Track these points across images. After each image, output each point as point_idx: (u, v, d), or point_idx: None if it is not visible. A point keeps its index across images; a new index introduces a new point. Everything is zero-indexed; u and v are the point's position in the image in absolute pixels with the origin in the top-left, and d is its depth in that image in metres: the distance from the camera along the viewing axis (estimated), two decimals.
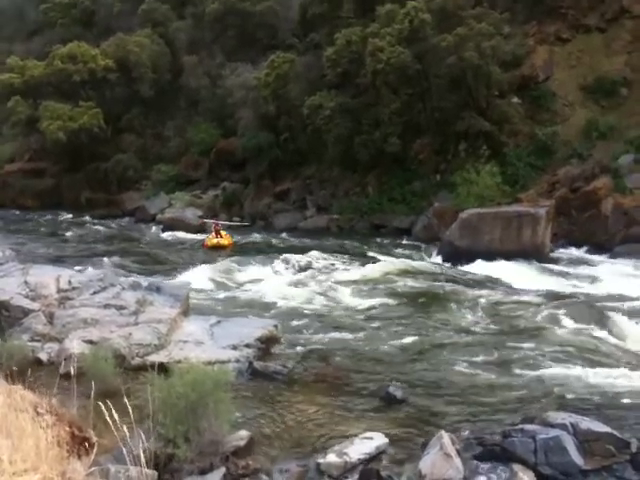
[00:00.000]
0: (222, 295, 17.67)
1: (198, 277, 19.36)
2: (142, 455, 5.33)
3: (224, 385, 7.78)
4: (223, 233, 26.69)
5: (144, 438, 7.07)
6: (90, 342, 10.77)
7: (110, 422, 5.20)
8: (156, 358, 10.51)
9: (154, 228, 33.00)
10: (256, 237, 29.60)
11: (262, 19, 40.64)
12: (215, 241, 25.84)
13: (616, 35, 30.47)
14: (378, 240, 27.66)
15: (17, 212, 38.89)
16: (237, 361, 10.87)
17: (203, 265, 21.53)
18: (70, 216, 37.10)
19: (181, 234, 30.72)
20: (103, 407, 5.34)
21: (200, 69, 42.64)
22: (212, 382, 7.55)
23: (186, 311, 13.10)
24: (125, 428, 5.51)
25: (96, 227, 34.01)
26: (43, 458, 4.92)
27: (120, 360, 10.17)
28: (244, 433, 8.15)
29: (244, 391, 9.93)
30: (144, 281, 14.41)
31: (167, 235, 30.93)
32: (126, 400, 6.17)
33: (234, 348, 11.37)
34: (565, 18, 31.79)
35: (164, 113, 42.79)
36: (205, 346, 11.28)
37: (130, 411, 5.72)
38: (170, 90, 43.12)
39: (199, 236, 30.32)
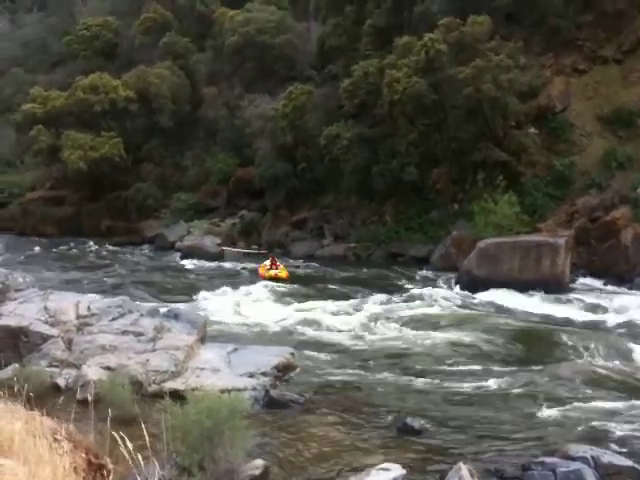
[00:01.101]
0: (239, 323, 17.69)
1: (216, 304, 19.43)
2: None
3: (240, 413, 7.74)
4: (281, 267, 25.79)
5: (160, 466, 7.06)
6: (108, 368, 10.81)
7: (129, 449, 5.18)
8: (172, 385, 10.53)
9: (173, 255, 33.21)
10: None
11: (280, 51, 41.22)
12: (273, 273, 25.07)
13: (633, 66, 30.50)
14: (396, 269, 27.57)
15: (37, 239, 39.29)
16: (253, 389, 10.84)
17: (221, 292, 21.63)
18: (91, 244, 37.44)
19: (200, 261, 30.87)
20: (119, 434, 5.33)
21: (219, 100, 43.23)
22: (227, 410, 7.52)
23: (203, 338, 13.10)
24: (141, 456, 5.50)
25: (116, 254, 34.28)
26: None
27: (137, 387, 10.18)
28: (259, 462, 8.08)
29: (260, 419, 9.87)
30: (162, 308, 14.47)
31: (186, 262, 31.10)
32: (143, 427, 6.16)
33: (251, 376, 11.35)
34: (582, 50, 31.92)
35: (183, 143, 43.33)
36: (222, 374, 11.27)
37: (146, 438, 5.71)
38: (189, 121, 43.71)
39: (217, 263, 30.47)
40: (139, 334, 12.31)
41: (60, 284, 22.31)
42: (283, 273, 25.22)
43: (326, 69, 39.96)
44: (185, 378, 10.92)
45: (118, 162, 39.93)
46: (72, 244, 37.06)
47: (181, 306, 17.30)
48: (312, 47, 41.97)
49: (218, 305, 19.55)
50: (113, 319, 12.90)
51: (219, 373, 11.26)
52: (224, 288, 22.50)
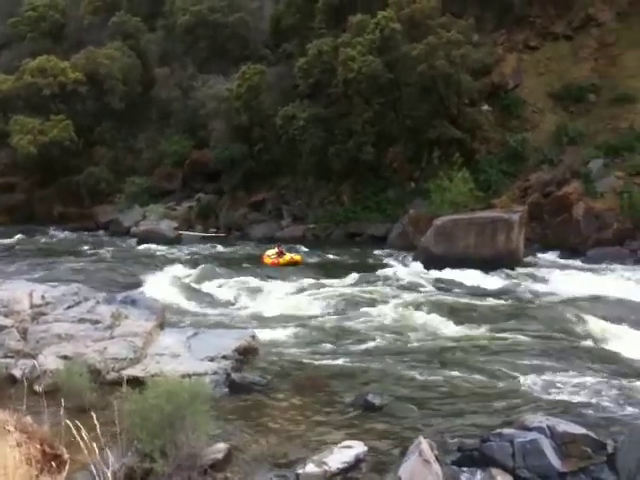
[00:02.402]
0: (198, 307, 17.57)
1: (174, 289, 19.24)
2: (117, 471, 5.26)
3: (201, 397, 7.70)
4: (287, 253, 24.97)
5: (120, 453, 7.00)
6: (65, 357, 10.62)
7: (84, 438, 5.12)
8: (132, 372, 10.41)
9: (129, 241, 32.69)
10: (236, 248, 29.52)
11: (233, 30, 40.72)
12: (289, 257, 24.37)
13: (583, 42, 31.07)
14: (354, 248, 27.71)
15: None
16: (214, 373, 10.78)
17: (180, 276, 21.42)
18: (43, 231, 36.59)
19: (156, 246, 30.46)
20: (77, 423, 5.26)
21: (172, 81, 42.55)
22: (188, 394, 7.48)
23: (162, 324, 12.97)
24: (100, 444, 5.44)
25: (69, 241, 33.60)
26: (11, 477, 4.83)
27: (95, 375, 10.04)
28: (222, 446, 8.07)
29: (222, 403, 9.85)
30: (119, 294, 14.25)
31: (142, 247, 30.66)
32: (101, 415, 6.09)
33: (211, 360, 11.28)
34: (533, 26, 32.36)
35: (136, 125, 42.57)
36: (181, 359, 11.18)
37: (105, 426, 5.65)
38: (141, 102, 42.91)
39: (175, 248, 30.12)
40: (96, 322, 12.11)
41: (12, 273, 21.78)
42: (298, 257, 24.75)
43: (280, 48, 39.69)
44: (144, 365, 10.80)
45: (69, 146, 39.07)
46: (24, 232, 36.16)
47: (138, 292, 17.08)
48: (265, 26, 41.59)
49: (176, 289, 19.34)
50: (69, 307, 12.66)
51: (179, 358, 11.17)
52: (182, 271, 22.31)
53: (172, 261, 26.55)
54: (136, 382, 9.50)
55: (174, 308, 16.64)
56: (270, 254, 25.24)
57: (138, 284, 20.26)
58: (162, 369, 10.33)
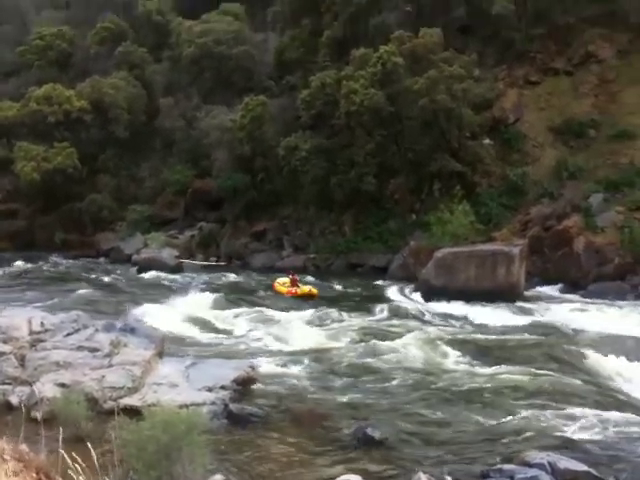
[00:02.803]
0: (198, 336, 17.48)
1: (175, 317, 19.15)
2: None
3: (198, 428, 7.63)
4: (301, 285, 24.59)
5: None
6: (62, 385, 10.57)
7: (79, 468, 5.06)
8: (129, 401, 10.35)
9: (130, 268, 32.65)
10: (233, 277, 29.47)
11: (238, 62, 41.21)
12: (307, 289, 23.85)
13: (583, 78, 31.40)
14: (355, 279, 27.65)
15: None
16: (212, 403, 10.71)
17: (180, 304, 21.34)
18: (45, 257, 36.58)
19: (157, 274, 30.40)
20: (71, 453, 5.20)
21: (176, 111, 42.92)
22: (185, 425, 7.41)
23: (161, 352, 12.91)
24: (97, 474, 5.37)
25: (70, 268, 33.56)
26: None
27: (92, 404, 9.98)
28: (219, 477, 7.98)
29: (219, 434, 9.75)
30: (118, 322, 14.21)
31: (143, 275, 30.60)
32: (98, 444, 6.02)
33: (209, 390, 11.21)
34: (534, 62, 32.76)
35: (139, 154, 42.82)
36: (180, 388, 11.11)
37: (101, 456, 5.59)
38: (145, 131, 43.25)
39: (176, 276, 30.07)
40: (94, 349, 12.07)
41: (12, 300, 21.72)
42: (315, 290, 24.12)
43: (284, 80, 40.12)
44: (142, 394, 10.73)
45: (72, 173, 39.22)
46: (25, 258, 36.17)
47: (138, 320, 17.03)
48: (270, 58, 42.08)
49: (177, 318, 19.25)
50: (67, 334, 12.64)
51: (177, 388, 11.10)
52: (182, 300, 22.22)
53: (173, 290, 26.51)
54: (133, 412, 9.43)
55: (174, 337, 16.54)
56: (282, 282, 24.94)
57: (138, 312, 20.15)
58: (160, 399, 10.26)
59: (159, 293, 25.47)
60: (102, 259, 36.47)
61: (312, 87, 32.07)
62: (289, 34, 39.26)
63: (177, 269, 31.74)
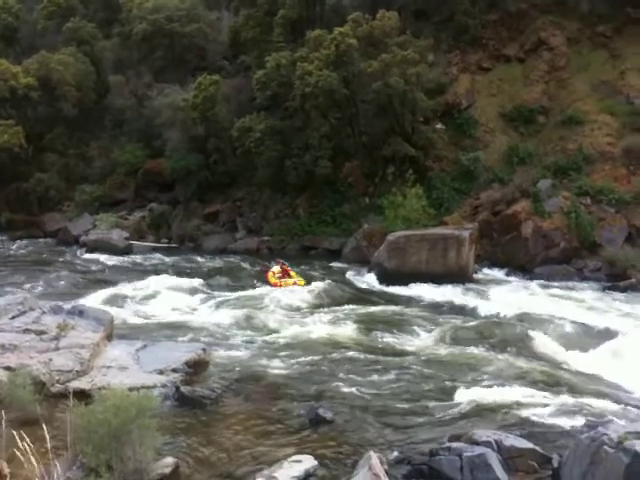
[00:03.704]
0: (148, 318, 17.27)
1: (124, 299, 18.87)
2: None
3: (149, 411, 7.56)
4: (293, 273, 23.54)
5: (65, 468, 6.80)
6: (8, 368, 10.31)
7: (26, 452, 4.96)
8: (78, 384, 10.19)
9: (77, 250, 31.99)
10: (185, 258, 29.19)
11: (191, 41, 40.43)
12: (291, 282, 22.64)
13: (534, 65, 31.87)
14: (309, 262, 27.70)
15: None
16: (163, 386, 10.63)
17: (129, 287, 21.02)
18: None
19: (106, 256, 29.86)
20: (20, 435, 5.09)
21: (126, 89, 41.94)
22: (135, 408, 7.34)
23: (110, 335, 12.73)
24: (44, 458, 5.28)
25: (15, 249, 32.69)
26: None
27: (40, 387, 9.77)
28: (170, 460, 7.94)
29: (170, 417, 9.69)
30: (66, 305, 13.91)
31: (91, 257, 29.99)
32: (45, 428, 5.91)
33: (160, 373, 11.12)
34: (486, 48, 33.08)
35: (88, 133, 41.74)
36: (130, 371, 10.98)
37: (50, 440, 5.49)
38: (95, 110, 42.15)
39: (125, 257, 29.61)
40: (41, 332, 11.82)
41: None
42: (302, 282, 22.92)
43: (238, 60, 39.58)
44: (91, 377, 10.58)
45: (18, 152, 38.06)
46: None
47: (86, 302, 16.71)
48: (224, 37, 41.43)
49: (126, 300, 18.98)
50: (13, 317, 12.33)
51: (127, 371, 10.97)
52: (131, 283, 21.90)
53: (122, 271, 26.11)
54: (82, 395, 9.28)
55: (122, 320, 16.31)
56: (276, 271, 23.80)
57: (85, 295, 19.78)
58: (109, 382, 10.13)
59: (108, 275, 25.07)
60: (49, 240, 35.62)
61: (267, 68, 31.72)
62: (244, 13, 38.68)
63: (127, 250, 31.24)
